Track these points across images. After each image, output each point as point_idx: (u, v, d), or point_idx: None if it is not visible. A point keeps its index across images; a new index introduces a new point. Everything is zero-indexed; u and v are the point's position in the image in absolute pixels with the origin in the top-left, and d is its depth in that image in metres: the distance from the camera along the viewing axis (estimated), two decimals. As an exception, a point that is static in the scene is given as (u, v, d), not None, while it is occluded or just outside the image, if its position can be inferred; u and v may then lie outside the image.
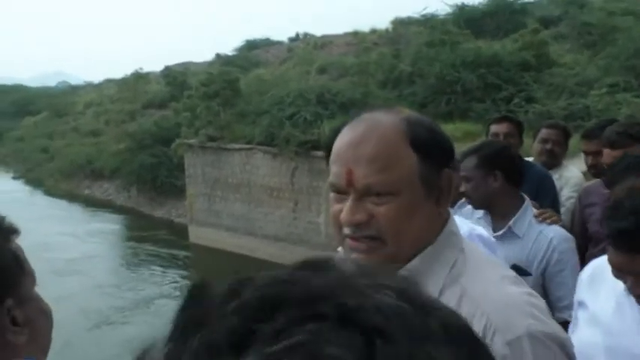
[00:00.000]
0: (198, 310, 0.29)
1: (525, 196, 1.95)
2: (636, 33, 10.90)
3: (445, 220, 0.86)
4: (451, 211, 2.09)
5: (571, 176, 2.75)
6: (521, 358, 0.75)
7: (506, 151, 2.00)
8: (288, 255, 10.38)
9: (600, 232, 2.00)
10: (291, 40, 29.85)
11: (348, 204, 0.80)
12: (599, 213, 2.06)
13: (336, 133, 0.86)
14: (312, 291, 0.28)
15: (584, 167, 2.80)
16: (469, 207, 2.08)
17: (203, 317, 0.28)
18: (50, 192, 20.62)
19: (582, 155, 2.61)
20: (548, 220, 1.89)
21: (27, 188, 21.77)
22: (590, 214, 2.14)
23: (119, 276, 11.88)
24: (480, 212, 2.00)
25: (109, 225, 16.06)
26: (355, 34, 21.90)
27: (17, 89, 41.47)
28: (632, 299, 1.25)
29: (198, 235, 13.36)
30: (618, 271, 1.21)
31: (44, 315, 0.91)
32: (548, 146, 2.71)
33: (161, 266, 12.47)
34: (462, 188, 1.92)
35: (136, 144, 17.97)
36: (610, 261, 1.22)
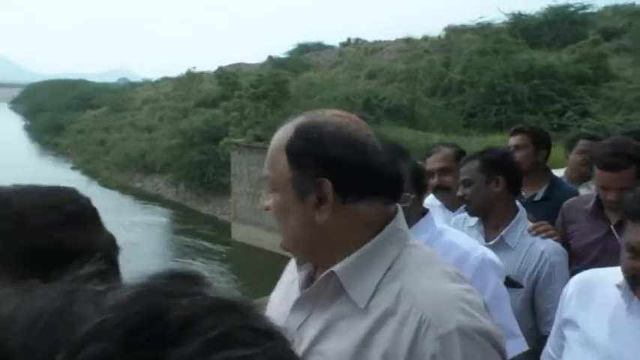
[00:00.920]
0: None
1: (520, 207, 1.91)
2: None
3: (389, 217, 0.88)
4: (450, 217, 2.05)
5: None
6: (451, 353, 0.76)
7: (509, 157, 1.96)
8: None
9: (583, 249, 1.96)
10: (343, 44, 30.03)
11: None
12: (582, 229, 2.01)
13: None
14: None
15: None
16: (461, 215, 2.03)
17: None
18: (105, 183, 21.53)
19: None
20: (544, 234, 1.84)
21: (84, 178, 22.81)
22: (572, 231, 2.06)
23: (157, 264, 12.39)
24: (473, 220, 1.94)
25: (156, 218, 16.65)
26: (407, 40, 21.79)
27: (80, 84, 43.38)
28: (627, 317, 1.20)
29: (240, 232, 13.62)
30: None
31: None
32: (588, 157, 2.63)
33: (200, 259, 12.86)
34: (460, 192, 1.88)
35: (186, 141, 18.53)
36: (632, 241, 1.16)
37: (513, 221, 1.85)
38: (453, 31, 19.65)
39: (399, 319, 0.80)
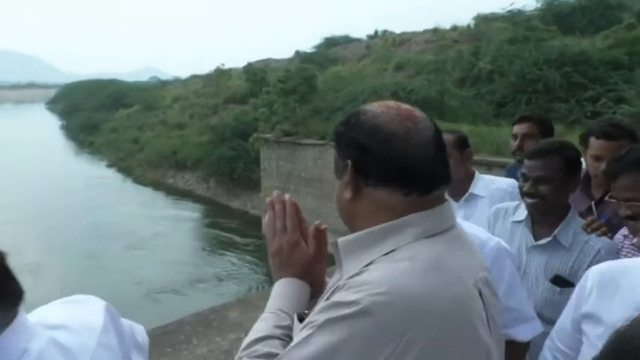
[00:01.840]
0: None
1: (571, 203, 1.85)
2: None
3: (416, 209, 0.87)
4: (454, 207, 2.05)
5: None
6: None
7: (580, 155, 1.89)
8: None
9: None
10: (370, 37, 29.84)
11: None
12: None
13: None
14: None
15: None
16: (502, 206, 1.99)
17: None
18: (138, 180, 22.06)
19: None
20: (598, 232, 1.77)
21: (118, 176, 23.43)
22: None
23: (185, 255, 12.96)
24: (521, 215, 1.89)
25: (187, 212, 17.01)
26: (435, 31, 21.51)
27: (113, 83, 44.39)
28: None
29: (271, 226, 13.78)
30: None
31: None
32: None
33: (231, 252, 13.13)
34: (530, 189, 1.78)
35: (216, 137, 18.80)
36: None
37: (566, 219, 1.80)
38: (483, 20, 19.29)
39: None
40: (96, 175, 22.62)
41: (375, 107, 0.92)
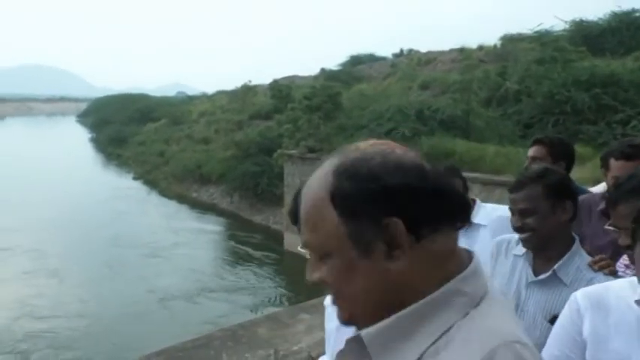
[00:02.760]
0: None
1: (575, 236, 1.69)
2: None
3: (448, 275, 0.70)
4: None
5: None
6: None
7: (569, 178, 1.78)
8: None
9: (597, 252, 1.80)
10: (396, 55, 29.93)
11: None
12: (593, 231, 1.95)
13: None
14: None
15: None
16: (504, 238, 1.85)
17: None
18: (164, 193, 22.38)
19: None
20: (606, 270, 1.60)
21: (144, 188, 23.81)
22: (583, 233, 1.98)
23: (203, 265, 13.14)
24: (521, 249, 1.74)
25: (210, 225, 17.17)
26: (461, 50, 21.47)
27: (142, 98, 45.52)
28: None
29: (292, 242, 13.77)
30: None
31: None
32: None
33: (249, 265, 13.23)
34: (517, 222, 1.66)
35: (241, 152, 18.98)
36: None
37: (568, 254, 1.63)
38: (510, 40, 19.19)
39: None
40: (122, 187, 23.03)
41: (370, 148, 0.72)
